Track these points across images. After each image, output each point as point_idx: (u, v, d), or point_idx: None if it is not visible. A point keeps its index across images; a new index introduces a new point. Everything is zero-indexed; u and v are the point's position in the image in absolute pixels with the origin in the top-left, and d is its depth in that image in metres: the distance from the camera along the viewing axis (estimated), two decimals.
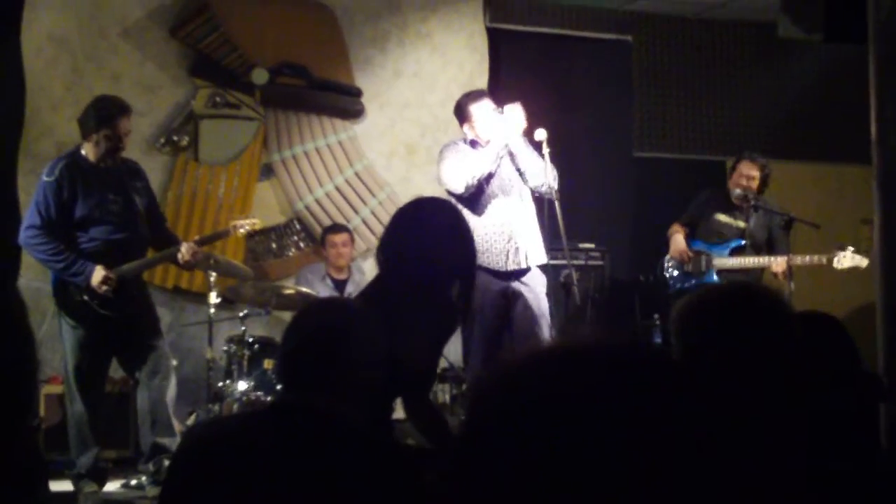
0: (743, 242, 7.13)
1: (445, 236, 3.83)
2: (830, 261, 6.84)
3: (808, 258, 6.83)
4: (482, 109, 5.85)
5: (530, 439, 0.98)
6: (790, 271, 6.68)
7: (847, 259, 6.79)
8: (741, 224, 7.19)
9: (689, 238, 7.29)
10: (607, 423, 0.97)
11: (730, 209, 7.24)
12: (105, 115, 5.79)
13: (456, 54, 8.53)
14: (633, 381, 1.00)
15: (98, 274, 5.65)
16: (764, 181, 7.16)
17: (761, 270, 7.15)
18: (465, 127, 5.92)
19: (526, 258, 5.77)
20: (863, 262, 6.74)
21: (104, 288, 5.66)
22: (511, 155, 5.81)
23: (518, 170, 5.82)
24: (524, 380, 1.02)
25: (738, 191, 7.11)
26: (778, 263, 6.89)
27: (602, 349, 1.04)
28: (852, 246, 6.84)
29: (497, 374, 1.06)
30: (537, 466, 0.96)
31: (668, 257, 7.34)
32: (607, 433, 0.96)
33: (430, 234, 3.80)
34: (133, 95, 6.95)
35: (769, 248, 7.17)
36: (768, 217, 7.15)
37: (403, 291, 3.66)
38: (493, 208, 5.79)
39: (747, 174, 7.14)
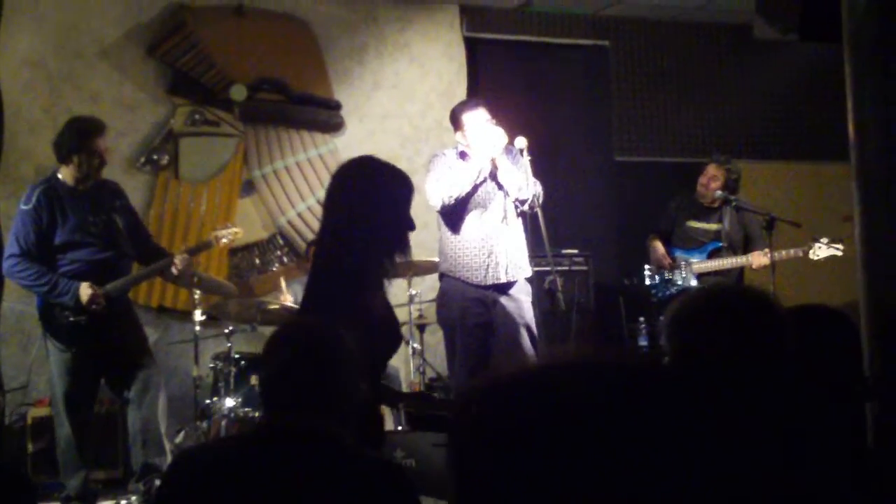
0: (720, 244, 7.19)
1: (360, 201, 3.50)
2: (807, 252, 6.94)
3: (784, 252, 6.91)
4: (474, 119, 5.83)
5: (515, 458, 0.98)
6: (773, 267, 6.73)
7: (823, 249, 6.92)
8: (714, 226, 7.25)
9: (667, 246, 7.34)
10: (594, 440, 0.97)
11: (701, 213, 7.30)
12: (80, 137, 5.77)
13: (434, 64, 8.54)
14: (621, 398, 1.00)
15: (85, 291, 5.63)
16: (730, 183, 7.20)
17: (740, 270, 7.20)
18: (458, 134, 5.91)
19: (506, 272, 5.76)
20: (838, 251, 6.87)
21: (93, 306, 5.65)
22: (494, 172, 5.79)
23: (501, 186, 5.80)
24: (508, 400, 1.03)
25: (719, 192, 7.15)
26: (757, 260, 6.95)
27: (588, 365, 1.04)
28: (827, 238, 6.93)
29: (479, 393, 1.06)
30: (524, 485, 0.97)
31: (647, 267, 7.40)
32: (595, 450, 0.96)
33: (346, 204, 3.51)
34: (112, 115, 6.95)
35: (745, 247, 7.22)
36: (742, 216, 7.20)
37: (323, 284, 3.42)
38: (474, 223, 5.78)
39: (710, 174, 7.20)
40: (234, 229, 6.51)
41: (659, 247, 7.33)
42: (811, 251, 6.95)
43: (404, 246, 3.53)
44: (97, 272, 5.75)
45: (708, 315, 2.20)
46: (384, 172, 3.60)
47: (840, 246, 6.86)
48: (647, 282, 7.36)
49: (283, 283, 7.30)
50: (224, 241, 6.45)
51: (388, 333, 3.62)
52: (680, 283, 7.14)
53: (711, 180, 7.19)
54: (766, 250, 6.84)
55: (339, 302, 3.29)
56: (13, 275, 5.70)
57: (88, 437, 5.89)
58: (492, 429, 1.03)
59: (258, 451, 2.38)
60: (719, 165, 7.22)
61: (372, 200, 3.48)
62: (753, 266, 7.00)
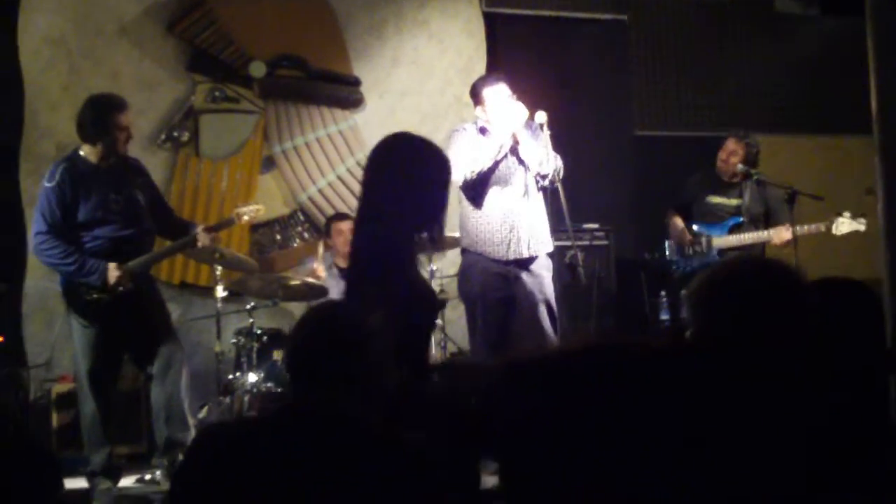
0: (741, 219, 7.16)
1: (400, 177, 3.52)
2: (829, 227, 6.89)
3: (805, 227, 6.86)
4: (495, 95, 5.82)
5: (539, 439, 0.99)
6: (795, 242, 6.71)
7: (845, 224, 6.87)
8: (735, 202, 7.21)
9: (687, 221, 7.31)
10: (611, 425, 0.97)
11: (721, 189, 7.27)
12: (101, 114, 5.78)
13: (453, 40, 8.52)
14: (639, 385, 1.00)
15: (112, 273, 5.66)
16: (750, 157, 7.18)
17: (762, 245, 7.17)
18: (478, 109, 5.90)
19: (528, 248, 5.76)
20: (860, 225, 6.82)
21: (119, 288, 5.68)
22: (514, 147, 5.79)
23: (522, 161, 5.80)
24: (530, 384, 1.03)
25: (740, 166, 7.12)
26: (779, 235, 6.91)
27: (608, 351, 1.05)
28: (850, 212, 6.88)
29: (503, 377, 1.07)
30: (546, 467, 0.97)
31: (668, 242, 7.39)
32: (611, 435, 0.97)
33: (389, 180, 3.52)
34: (132, 93, 6.95)
35: (767, 222, 7.19)
36: (763, 191, 7.17)
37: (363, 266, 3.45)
38: (495, 199, 5.77)
39: (730, 150, 7.17)
40: (257, 206, 6.52)
41: (679, 222, 7.31)
42: (834, 226, 6.89)
43: (440, 226, 3.57)
44: (120, 249, 5.77)
45: (732, 289, 2.19)
46: (425, 152, 3.62)
47: (863, 220, 6.81)
48: (668, 257, 7.35)
49: (321, 250, 7.35)
50: (246, 217, 6.46)
51: (428, 307, 3.66)
52: (701, 258, 7.13)
53: (731, 155, 7.16)
54: (788, 225, 6.81)
55: (381, 278, 3.33)
56: (41, 252, 5.72)
57: (112, 412, 5.92)
58: (509, 409, 1.04)
59: (281, 431, 2.38)
60: (739, 140, 7.19)
61: (414, 180, 3.50)
62: (775, 242, 6.96)
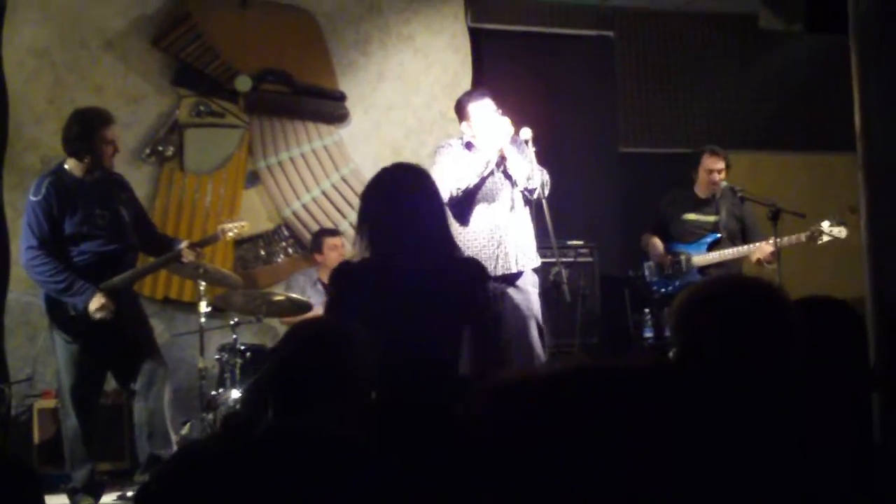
0: (719, 236, 7.16)
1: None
2: (809, 237, 6.85)
3: (786, 239, 6.84)
4: (481, 110, 5.81)
5: (519, 459, 0.97)
6: (778, 257, 6.71)
7: (826, 233, 6.83)
8: (711, 218, 7.22)
9: (665, 242, 7.30)
10: (597, 446, 0.96)
11: (695, 206, 7.28)
12: (86, 129, 5.76)
13: (439, 55, 8.53)
14: (626, 406, 0.99)
15: (97, 300, 5.62)
16: (728, 171, 7.22)
17: (740, 261, 7.17)
18: (464, 125, 5.90)
19: (516, 263, 5.75)
20: (841, 232, 6.79)
21: (98, 315, 5.63)
22: (501, 163, 5.78)
23: (508, 176, 5.79)
24: (514, 405, 1.02)
25: (724, 184, 7.15)
26: (761, 250, 6.92)
27: (594, 372, 1.04)
28: (829, 221, 6.86)
29: (487, 396, 1.06)
30: (526, 484, 0.96)
31: (647, 264, 7.37)
32: (597, 456, 0.96)
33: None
34: (117, 106, 6.94)
35: (743, 238, 7.19)
36: (738, 206, 7.18)
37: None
38: (482, 215, 5.76)
39: (715, 167, 7.18)
40: (242, 222, 6.50)
41: (658, 243, 7.29)
42: (814, 234, 6.87)
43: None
44: (104, 264, 5.74)
45: (713, 309, 2.18)
46: (405, 186, 3.78)
47: (843, 228, 6.79)
48: (648, 278, 7.35)
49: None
50: (231, 234, 6.44)
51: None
52: (682, 277, 7.12)
53: (715, 171, 7.17)
54: (770, 239, 6.82)
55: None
56: (31, 268, 5.68)
57: (95, 428, 5.89)
58: (497, 432, 1.03)
59: (264, 454, 2.33)
60: (717, 155, 7.21)
61: (394, 214, 3.67)
62: (759, 257, 6.94)
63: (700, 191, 7.26)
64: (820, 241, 6.87)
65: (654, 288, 7.29)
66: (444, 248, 3.70)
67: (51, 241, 5.64)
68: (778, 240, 6.74)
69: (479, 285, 3.75)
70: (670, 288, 7.14)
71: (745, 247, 7.06)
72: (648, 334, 7.57)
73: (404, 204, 3.67)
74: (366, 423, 2.48)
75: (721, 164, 7.18)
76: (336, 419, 2.37)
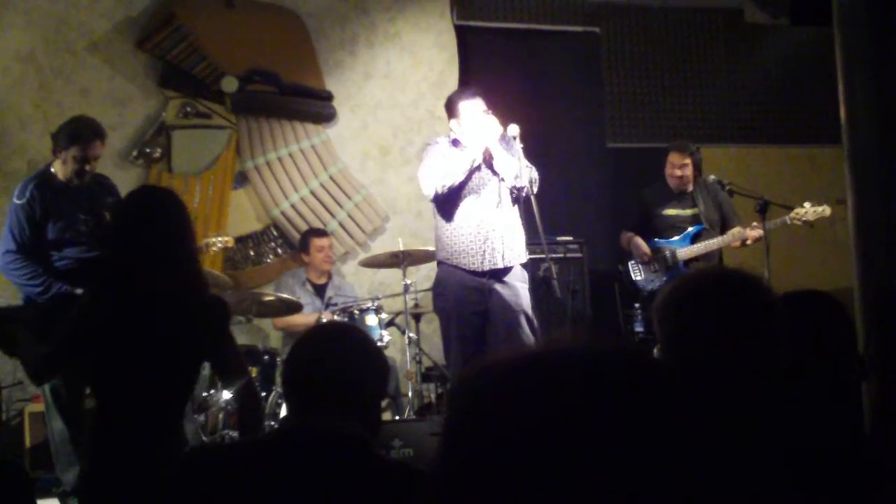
0: (703, 227, 7.17)
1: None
2: (794, 219, 6.90)
3: (770, 223, 6.87)
4: (471, 108, 5.82)
5: (509, 444, 0.98)
6: (767, 251, 6.73)
7: (809, 213, 6.87)
8: (690, 211, 7.23)
9: (648, 238, 7.30)
10: (588, 429, 0.96)
11: (673, 200, 7.28)
12: (77, 134, 5.73)
13: (425, 53, 8.53)
14: (616, 387, 1.00)
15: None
16: (698, 165, 7.23)
17: (720, 252, 7.21)
18: (453, 122, 5.90)
19: (503, 258, 5.75)
20: (826, 211, 6.85)
21: None
22: (487, 159, 5.78)
23: (495, 172, 5.79)
24: (504, 385, 1.02)
25: (712, 177, 7.19)
26: (742, 234, 6.97)
27: (582, 354, 1.04)
28: (810, 202, 6.91)
29: (476, 378, 1.06)
30: (516, 472, 0.96)
31: (631, 262, 7.36)
32: (588, 439, 0.96)
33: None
34: (103, 109, 6.93)
35: (722, 228, 7.21)
36: (715, 196, 7.20)
37: None
38: (469, 210, 5.76)
39: (679, 163, 7.20)
40: (226, 237, 6.56)
41: (640, 243, 7.27)
42: (798, 214, 6.92)
43: None
44: (86, 270, 5.72)
45: (697, 303, 2.17)
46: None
47: (827, 207, 6.84)
48: (634, 277, 7.34)
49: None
50: (214, 249, 6.49)
51: None
52: (668, 272, 7.12)
53: (681, 168, 7.18)
54: (755, 223, 6.86)
55: None
56: (8, 271, 5.67)
57: (82, 430, 5.87)
58: (485, 415, 1.03)
59: (279, 453, 2.32)
60: (682, 151, 7.23)
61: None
62: (748, 234, 6.98)
63: (676, 187, 7.26)
64: (805, 220, 6.89)
65: (642, 286, 7.29)
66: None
67: (31, 246, 5.62)
68: (767, 223, 6.78)
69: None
70: (658, 283, 7.13)
71: (729, 234, 7.07)
72: (639, 329, 7.57)
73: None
74: (377, 425, 2.50)
75: (685, 161, 7.18)
76: (347, 418, 2.37)
